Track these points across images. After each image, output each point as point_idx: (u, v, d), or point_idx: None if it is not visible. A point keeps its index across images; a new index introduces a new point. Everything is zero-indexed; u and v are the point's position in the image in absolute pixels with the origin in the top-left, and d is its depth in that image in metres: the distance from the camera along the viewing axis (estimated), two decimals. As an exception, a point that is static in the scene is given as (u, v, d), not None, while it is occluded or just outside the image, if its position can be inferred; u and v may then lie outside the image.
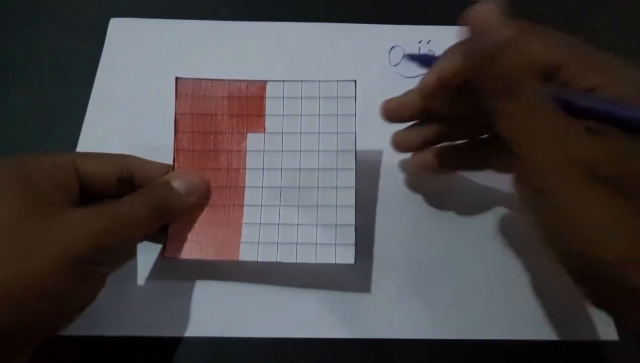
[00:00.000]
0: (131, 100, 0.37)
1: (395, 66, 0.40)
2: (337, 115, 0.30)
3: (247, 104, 0.30)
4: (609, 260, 0.20)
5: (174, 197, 0.28)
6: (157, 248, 0.31)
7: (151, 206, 0.27)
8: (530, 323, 0.30)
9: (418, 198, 0.34)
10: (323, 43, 0.41)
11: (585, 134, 0.21)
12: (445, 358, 0.30)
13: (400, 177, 0.35)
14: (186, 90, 0.30)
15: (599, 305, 0.23)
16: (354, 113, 0.30)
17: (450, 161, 0.31)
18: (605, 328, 0.30)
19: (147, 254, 0.31)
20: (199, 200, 0.30)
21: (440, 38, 0.41)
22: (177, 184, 0.29)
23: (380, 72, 0.39)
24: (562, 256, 0.22)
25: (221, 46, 0.40)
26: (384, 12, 0.43)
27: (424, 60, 0.28)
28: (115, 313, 0.30)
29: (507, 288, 0.31)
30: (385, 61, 0.40)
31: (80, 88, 0.38)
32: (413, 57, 0.29)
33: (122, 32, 0.41)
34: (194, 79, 0.30)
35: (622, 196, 0.20)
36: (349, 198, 0.30)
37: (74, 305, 0.25)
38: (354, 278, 0.31)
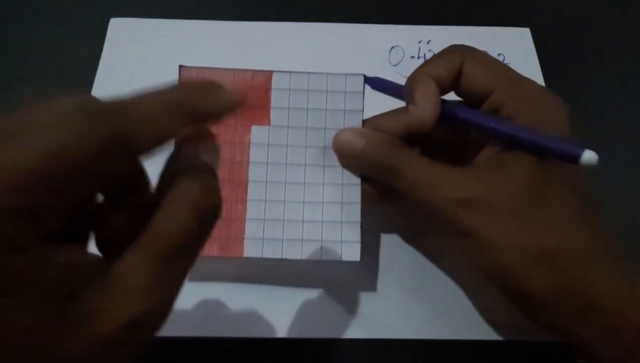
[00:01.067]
0: (131, 100, 0.37)
1: (395, 66, 0.40)
2: (345, 110, 0.29)
3: (251, 95, 0.30)
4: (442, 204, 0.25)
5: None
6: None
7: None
8: (531, 324, 0.30)
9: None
10: (323, 43, 0.41)
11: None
12: (452, 359, 0.30)
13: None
14: (190, 79, 0.29)
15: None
16: (361, 109, 0.29)
17: (383, 193, 0.30)
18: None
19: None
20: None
21: (440, 38, 0.41)
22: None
23: (380, 72, 0.39)
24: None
25: (221, 46, 0.40)
26: (384, 12, 0.43)
27: (384, 87, 0.30)
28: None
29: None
30: (385, 61, 0.40)
31: (80, 88, 0.38)
32: (374, 83, 0.30)
33: (122, 32, 0.41)
34: (198, 67, 0.29)
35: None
36: (355, 194, 0.29)
37: None
38: (358, 278, 0.31)
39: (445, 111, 0.27)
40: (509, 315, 0.30)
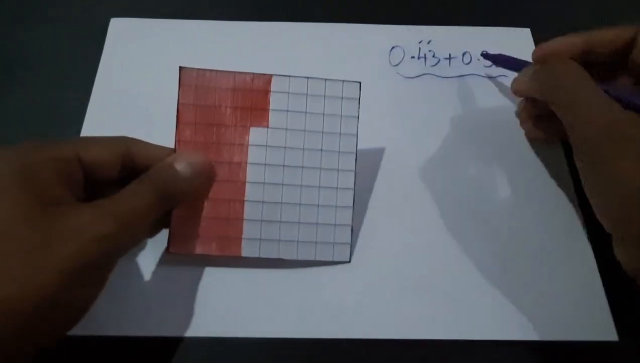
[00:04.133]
0: (131, 100, 0.37)
1: (395, 66, 0.40)
2: (341, 116, 0.30)
3: (251, 97, 0.30)
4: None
5: (179, 180, 0.27)
6: (157, 247, 0.31)
7: (155, 195, 0.25)
8: (531, 324, 0.30)
9: (417, 199, 0.34)
10: (323, 43, 0.41)
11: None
12: (451, 359, 0.30)
13: (399, 177, 0.35)
14: (190, 80, 0.30)
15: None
16: (356, 115, 0.30)
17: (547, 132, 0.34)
18: (605, 328, 0.30)
19: (147, 254, 0.31)
20: (205, 183, 0.30)
21: (440, 38, 0.41)
22: (181, 166, 0.28)
23: (380, 72, 0.39)
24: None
25: (221, 46, 0.40)
26: (384, 12, 0.43)
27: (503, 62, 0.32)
28: (115, 313, 0.30)
29: (507, 289, 0.31)
30: (385, 61, 0.40)
31: (80, 88, 0.38)
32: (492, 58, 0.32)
33: (122, 32, 0.41)
34: (199, 69, 0.30)
35: None
36: (348, 199, 0.31)
37: (82, 309, 0.24)
38: (356, 278, 0.31)
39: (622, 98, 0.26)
40: (509, 315, 0.30)
